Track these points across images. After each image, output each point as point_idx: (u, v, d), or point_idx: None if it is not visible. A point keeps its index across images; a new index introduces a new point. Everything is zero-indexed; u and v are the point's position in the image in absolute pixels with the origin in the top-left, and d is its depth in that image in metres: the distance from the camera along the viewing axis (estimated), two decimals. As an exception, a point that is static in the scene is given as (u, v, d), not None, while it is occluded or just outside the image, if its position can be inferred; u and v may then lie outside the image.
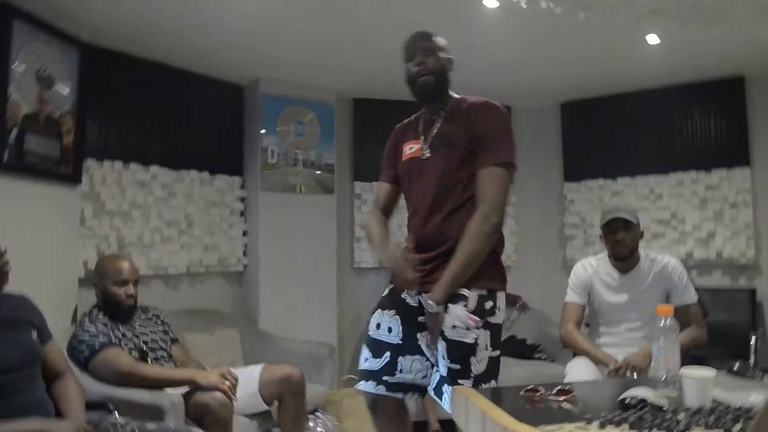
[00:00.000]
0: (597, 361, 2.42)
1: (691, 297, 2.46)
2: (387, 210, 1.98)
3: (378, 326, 1.85)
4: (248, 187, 3.88)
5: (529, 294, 4.28)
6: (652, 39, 3.07)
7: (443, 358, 1.68)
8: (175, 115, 3.53)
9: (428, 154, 1.80)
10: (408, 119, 1.96)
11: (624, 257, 2.52)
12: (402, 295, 1.82)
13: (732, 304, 3.66)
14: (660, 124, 4.02)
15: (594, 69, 3.73)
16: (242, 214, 3.87)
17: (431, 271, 1.73)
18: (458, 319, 1.68)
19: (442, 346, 1.68)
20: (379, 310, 1.87)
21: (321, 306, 3.87)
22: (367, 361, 1.86)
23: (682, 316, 2.32)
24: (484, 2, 2.69)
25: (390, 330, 1.82)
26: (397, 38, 1.89)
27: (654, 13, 2.36)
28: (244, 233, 3.85)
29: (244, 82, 3.90)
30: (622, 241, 2.49)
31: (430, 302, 1.66)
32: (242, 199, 3.88)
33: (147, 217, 3.30)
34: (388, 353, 1.82)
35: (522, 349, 3.93)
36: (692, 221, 3.85)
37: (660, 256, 2.55)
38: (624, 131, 4.16)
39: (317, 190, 3.96)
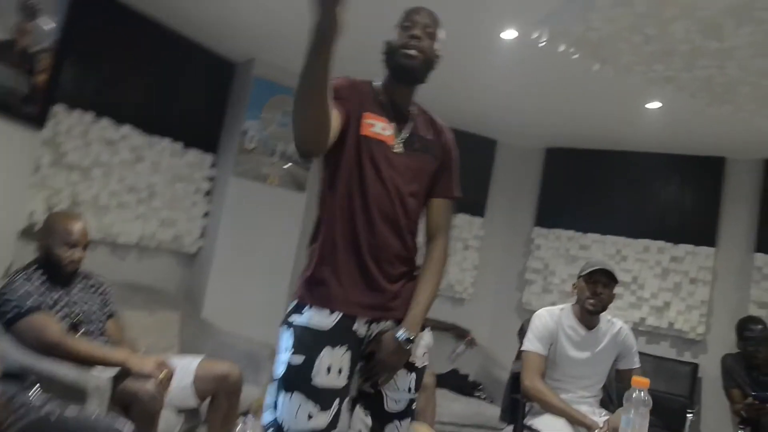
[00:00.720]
0: (576, 423, 2.32)
1: (636, 363, 2.47)
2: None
3: (329, 370, 1.41)
4: (219, 167, 3.69)
5: (479, 330, 4.23)
6: (653, 104, 3.08)
7: (408, 390, 1.56)
8: (159, 78, 3.33)
9: (400, 150, 1.51)
10: (355, 79, 1.56)
11: (596, 312, 2.47)
12: (353, 327, 1.46)
13: (674, 375, 3.69)
14: (639, 187, 4.06)
15: (589, 121, 3.73)
16: (208, 194, 3.68)
17: (394, 296, 1.50)
18: (427, 346, 1.57)
19: (408, 378, 1.55)
20: (329, 347, 1.41)
21: (269, 306, 3.68)
22: (312, 419, 1.38)
23: (625, 380, 2.33)
24: (502, 35, 2.63)
25: (340, 371, 1.42)
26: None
27: (667, 79, 2.34)
28: (205, 214, 3.66)
29: (239, 59, 3.73)
30: (600, 295, 2.43)
31: (406, 335, 1.47)
32: (210, 179, 3.69)
33: (108, 177, 3.07)
34: (336, 401, 1.42)
35: (463, 385, 3.86)
36: (651, 289, 3.88)
37: (615, 320, 2.53)
38: (603, 188, 4.18)
39: (289, 186, 3.80)
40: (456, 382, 3.85)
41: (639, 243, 3.97)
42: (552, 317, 2.53)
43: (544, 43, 2.50)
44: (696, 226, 3.85)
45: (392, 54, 1.50)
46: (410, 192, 1.51)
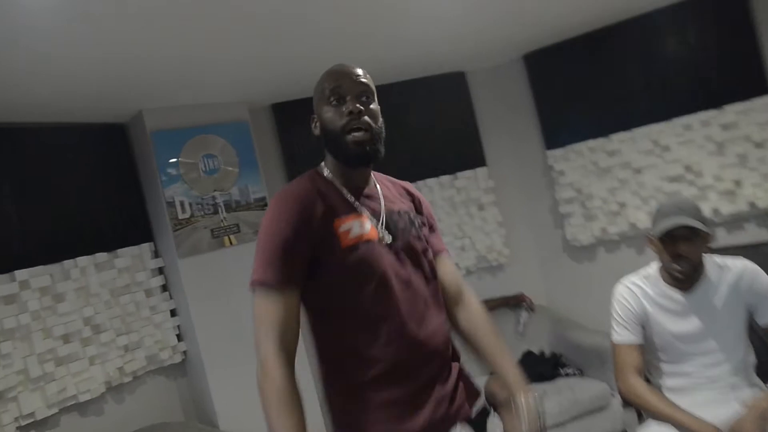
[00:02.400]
0: (687, 429, 1.76)
1: None
2: (293, 345, 1.25)
3: None
4: (164, 252, 3.03)
5: (532, 290, 3.65)
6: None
7: None
8: (38, 190, 2.62)
9: (388, 238, 1.34)
10: (302, 185, 1.33)
11: (687, 279, 1.87)
12: None
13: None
14: (650, 60, 3.30)
15: (560, 7, 2.94)
16: (165, 288, 3.03)
17: (454, 390, 1.38)
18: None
19: None
20: None
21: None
22: None
23: None
24: None
25: None
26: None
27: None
28: (173, 313, 3.02)
29: (123, 118, 2.99)
30: (684, 257, 1.83)
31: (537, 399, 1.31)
32: (160, 270, 3.03)
33: (28, 342, 2.43)
34: None
35: (544, 367, 3.27)
36: (711, 171, 3.19)
37: (730, 261, 1.91)
38: (607, 76, 3.44)
39: (252, 236, 3.13)
40: (536, 367, 3.26)
41: (675, 123, 3.26)
42: (632, 292, 1.96)
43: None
44: (739, 78, 3.10)
45: (335, 141, 1.31)
46: (432, 272, 1.42)
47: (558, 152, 3.62)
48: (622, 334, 1.94)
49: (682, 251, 1.81)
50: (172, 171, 2.96)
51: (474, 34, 3.08)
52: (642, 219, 3.35)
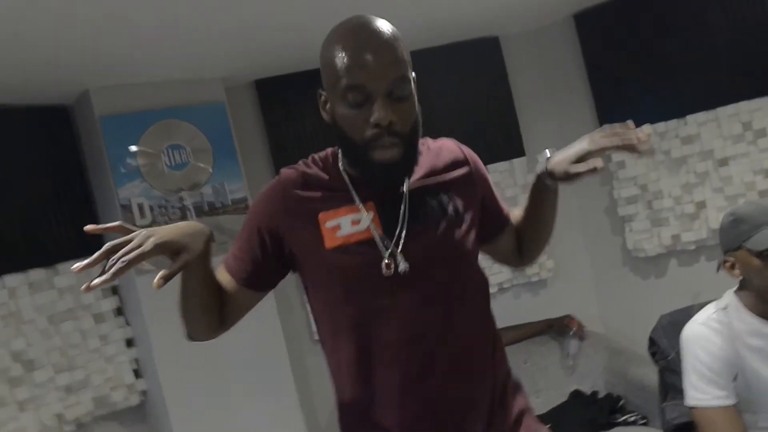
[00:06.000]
0: None
1: None
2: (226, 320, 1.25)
3: None
4: (118, 267, 2.66)
5: (583, 313, 3.25)
6: None
7: None
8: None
9: (403, 265, 1.14)
10: (292, 170, 1.23)
11: None
12: None
13: None
14: (739, 20, 2.83)
15: None
16: (120, 312, 2.69)
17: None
18: None
19: None
20: None
21: (279, 421, 2.76)
22: None
23: None
24: None
25: None
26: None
27: None
28: (129, 343, 2.68)
29: (66, 99, 2.65)
30: None
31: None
32: (114, 290, 2.68)
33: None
34: None
35: (597, 411, 2.86)
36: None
37: None
38: (682, 41, 2.98)
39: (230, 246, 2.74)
40: (587, 413, 2.85)
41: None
42: (713, 333, 1.68)
43: None
44: None
45: (354, 153, 1.13)
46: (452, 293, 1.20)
47: (617, 138, 3.15)
48: (711, 394, 1.64)
49: None
50: (129, 163, 2.62)
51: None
52: (727, 223, 2.87)
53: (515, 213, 1.36)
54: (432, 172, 1.22)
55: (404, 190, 1.17)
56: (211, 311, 1.18)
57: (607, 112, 3.19)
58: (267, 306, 2.80)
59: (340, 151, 1.19)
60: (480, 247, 1.29)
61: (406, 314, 1.15)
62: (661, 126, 3.03)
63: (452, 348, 1.17)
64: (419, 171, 1.20)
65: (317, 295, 1.22)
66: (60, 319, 2.51)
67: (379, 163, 1.09)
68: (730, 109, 2.87)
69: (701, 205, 2.98)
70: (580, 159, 1.14)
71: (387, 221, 1.15)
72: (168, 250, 1.02)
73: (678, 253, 3.13)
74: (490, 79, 3.32)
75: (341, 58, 1.07)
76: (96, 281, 0.94)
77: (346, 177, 1.18)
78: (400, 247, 1.14)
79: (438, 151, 1.26)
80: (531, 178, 1.27)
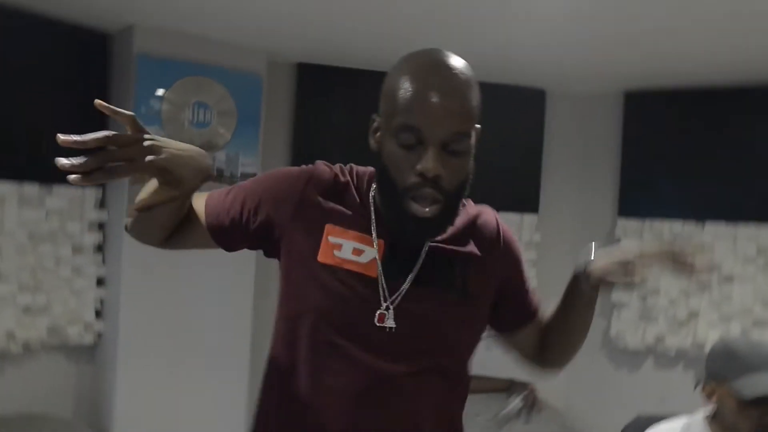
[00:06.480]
0: None
1: None
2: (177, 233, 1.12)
3: None
4: (111, 204, 2.67)
5: (549, 383, 3.16)
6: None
7: None
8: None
9: (390, 322, 1.04)
10: (339, 174, 1.13)
11: None
12: None
13: None
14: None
15: (689, 47, 2.51)
16: (99, 249, 2.67)
17: None
18: None
19: None
20: None
21: (224, 411, 2.74)
22: None
23: None
24: None
25: None
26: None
27: None
28: (100, 282, 2.66)
29: (110, 28, 2.65)
30: None
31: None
32: (100, 226, 2.66)
33: None
34: None
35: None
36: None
37: None
38: (721, 148, 2.98)
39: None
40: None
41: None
42: None
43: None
44: None
45: (389, 195, 1.03)
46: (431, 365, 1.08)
47: (632, 223, 3.15)
48: None
49: None
50: (152, 107, 2.61)
51: (572, 47, 2.64)
52: (713, 340, 2.85)
53: (547, 309, 1.23)
54: (457, 238, 1.11)
55: (427, 246, 1.08)
56: (164, 229, 1.09)
57: (628, 195, 3.19)
58: (244, 281, 2.83)
59: (376, 181, 1.10)
60: (497, 336, 1.21)
61: (363, 373, 1.04)
62: (677, 225, 3.02)
63: None
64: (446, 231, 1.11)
65: (287, 301, 1.13)
66: (40, 239, 2.49)
67: (412, 215, 1.00)
68: (751, 229, 2.86)
69: (694, 315, 2.97)
70: (623, 264, 1.05)
71: (389, 269, 1.06)
72: (163, 177, 0.94)
73: (658, 354, 3.11)
74: (526, 129, 3.31)
75: (404, 92, 0.99)
76: (73, 177, 0.85)
77: (371, 206, 1.10)
78: (396, 302, 1.04)
79: (474, 217, 1.16)
80: (569, 276, 1.17)
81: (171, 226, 1.08)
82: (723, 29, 2.33)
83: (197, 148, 1.01)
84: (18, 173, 2.43)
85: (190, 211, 1.10)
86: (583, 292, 1.13)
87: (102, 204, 2.68)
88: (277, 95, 2.99)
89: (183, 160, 0.95)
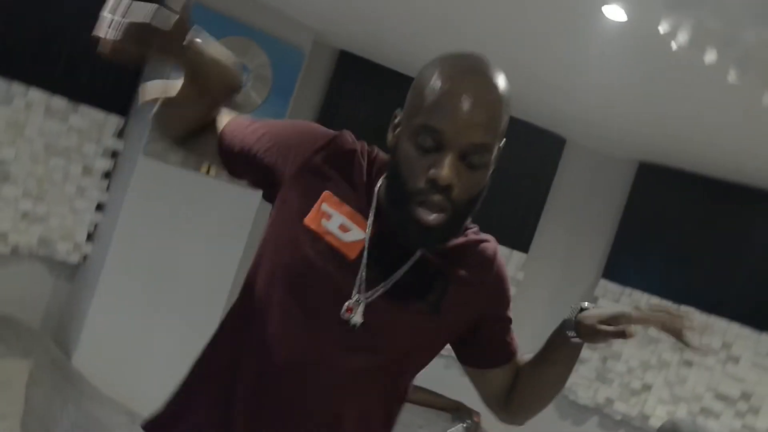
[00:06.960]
0: None
1: None
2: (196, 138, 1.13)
3: None
4: (129, 137, 2.75)
5: (492, 418, 3.26)
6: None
7: None
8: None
9: (358, 317, 1.00)
10: (359, 150, 1.07)
11: None
12: None
13: None
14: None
15: (712, 138, 2.64)
16: (107, 176, 2.75)
17: None
18: None
19: None
20: None
21: (186, 355, 2.81)
22: None
23: None
24: (606, 13, 1.78)
25: None
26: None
27: None
28: (99, 207, 2.75)
29: None
30: None
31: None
32: (113, 155, 2.75)
33: None
34: None
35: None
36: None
37: None
38: (717, 240, 3.08)
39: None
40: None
41: (764, 339, 2.88)
42: None
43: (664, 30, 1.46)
44: None
45: (396, 197, 0.99)
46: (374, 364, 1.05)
47: (613, 287, 3.26)
48: None
49: None
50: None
51: (602, 109, 2.75)
52: (660, 418, 2.98)
53: (524, 358, 1.16)
54: (450, 255, 1.06)
55: (418, 253, 1.03)
56: (184, 129, 1.10)
57: (616, 259, 3.30)
58: (238, 235, 2.89)
59: (386, 177, 1.04)
60: (465, 369, 1.18)
61: (303, 349, 1.02)
62: (655, 300, 3.13)
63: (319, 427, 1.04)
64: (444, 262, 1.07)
65: (262, 249, 1.09)
66: (55, 152, 2.57)
67: (415, 220, 0.95)
68: (722, 323, 2.96)
69: (646, 388, 3.08)
70: (614, 321, 1.01)
71: (372, 260, 1.01)
72: (191, 77, 0.94)
73: (603, 415, 3.21)
74: (538, 169, 3.41)
75: (433, 91, 0.93)
76: (106, 45, 0.85)
77: (376, 195, 1.05)
78: (370, 298, 1.00)
79: (475, 242, 1.11)
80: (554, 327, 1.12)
81: (191, 129, 1.10)
82: (753, 130, 2.43)
83: (233, 61, 1.00)
84: (51, 85, 2.51)
85: (214, 122, 1.10)
86: (567, 342, 1.08)
87: (121, 134, 2.75)
88: (313, 75, 3.07)
89: (218, 66, 0.98)
